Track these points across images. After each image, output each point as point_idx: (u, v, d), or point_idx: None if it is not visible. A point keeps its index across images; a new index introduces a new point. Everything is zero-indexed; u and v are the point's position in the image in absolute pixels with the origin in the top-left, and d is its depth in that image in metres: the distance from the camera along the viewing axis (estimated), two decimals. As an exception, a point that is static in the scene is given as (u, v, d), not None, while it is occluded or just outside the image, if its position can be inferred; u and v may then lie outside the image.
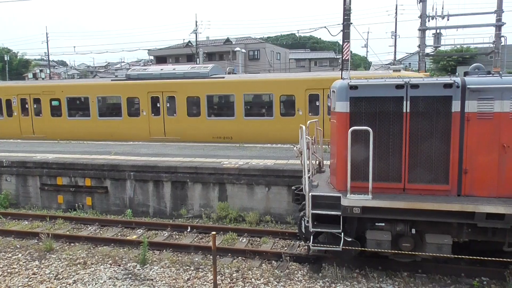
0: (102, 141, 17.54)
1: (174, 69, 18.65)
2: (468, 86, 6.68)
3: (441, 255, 6.80)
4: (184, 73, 17.77)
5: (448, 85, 6.73)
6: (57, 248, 9.14)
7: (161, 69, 18.74)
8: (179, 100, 17.28)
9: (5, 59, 61.71)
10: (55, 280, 7.60)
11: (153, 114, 17.70)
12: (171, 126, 17.52)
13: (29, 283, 7.53)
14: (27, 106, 19.56)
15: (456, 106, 6.73)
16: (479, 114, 6.69)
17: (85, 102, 18.77)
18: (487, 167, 6.70)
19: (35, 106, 19.41)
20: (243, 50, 46.30)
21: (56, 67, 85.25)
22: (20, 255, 8.87)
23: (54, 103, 19.04)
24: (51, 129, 19.12)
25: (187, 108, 17.23)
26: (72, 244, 9.45)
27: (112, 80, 19.39)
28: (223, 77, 17.54)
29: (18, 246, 9.38)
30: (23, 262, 8.46)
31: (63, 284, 7.42)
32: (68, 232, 10.27)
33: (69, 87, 19.18)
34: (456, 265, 7.46)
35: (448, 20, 26.90)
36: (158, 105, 17.59)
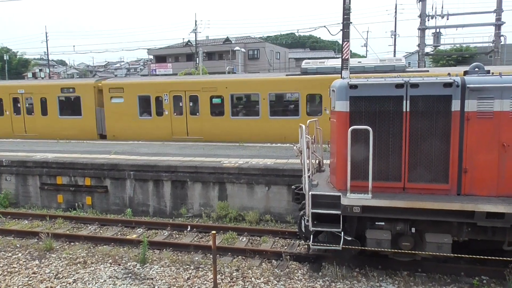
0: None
1: (359, 62, 16.81)
2: (468, 85, 6.67)
3: (441, 254, 6.80)
4: (374, 66, 16.07)
5: (448, 84, 6.73)
6: (57, 247, 9.14)
7: None
8: None
9: (5, 58, 61.66)
10: (55, 280, 7.60)
11: None
12: None
13: (29, 282, 7.52)
14: (180, 104, 17.66)
15: (456, 105, 6.73)
16: (479, 113, 6.69)
17: (253, 99, 17.27)
18: (487, 166, 6.70)
19: (190, 104, 17.62)
20: (243, 50, 46.24)
21: (55, 66, 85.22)
22: (20, 254, 8.87)
23: (215, 100, 17.22)
24: (210, 129, 17.29)
25: None
26: (72, 244, 9.45)
27: (287, 75, 17.68)
28: (427, 71, 15.66)
29: (18, 245, 9.38)
30: (23, 262, 8.45)
31: (63, 284, 7.42)
32: (68, 232, 10.27)
33: (234, 83, 17.35)
34: (456, 264, 7.48)
35: (447, 19, 26.91)
36: None
